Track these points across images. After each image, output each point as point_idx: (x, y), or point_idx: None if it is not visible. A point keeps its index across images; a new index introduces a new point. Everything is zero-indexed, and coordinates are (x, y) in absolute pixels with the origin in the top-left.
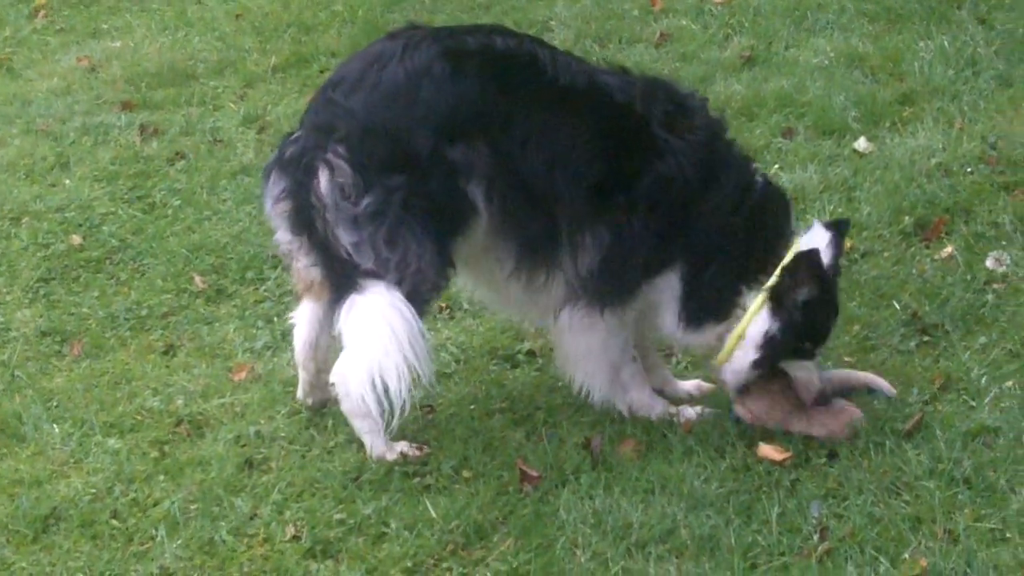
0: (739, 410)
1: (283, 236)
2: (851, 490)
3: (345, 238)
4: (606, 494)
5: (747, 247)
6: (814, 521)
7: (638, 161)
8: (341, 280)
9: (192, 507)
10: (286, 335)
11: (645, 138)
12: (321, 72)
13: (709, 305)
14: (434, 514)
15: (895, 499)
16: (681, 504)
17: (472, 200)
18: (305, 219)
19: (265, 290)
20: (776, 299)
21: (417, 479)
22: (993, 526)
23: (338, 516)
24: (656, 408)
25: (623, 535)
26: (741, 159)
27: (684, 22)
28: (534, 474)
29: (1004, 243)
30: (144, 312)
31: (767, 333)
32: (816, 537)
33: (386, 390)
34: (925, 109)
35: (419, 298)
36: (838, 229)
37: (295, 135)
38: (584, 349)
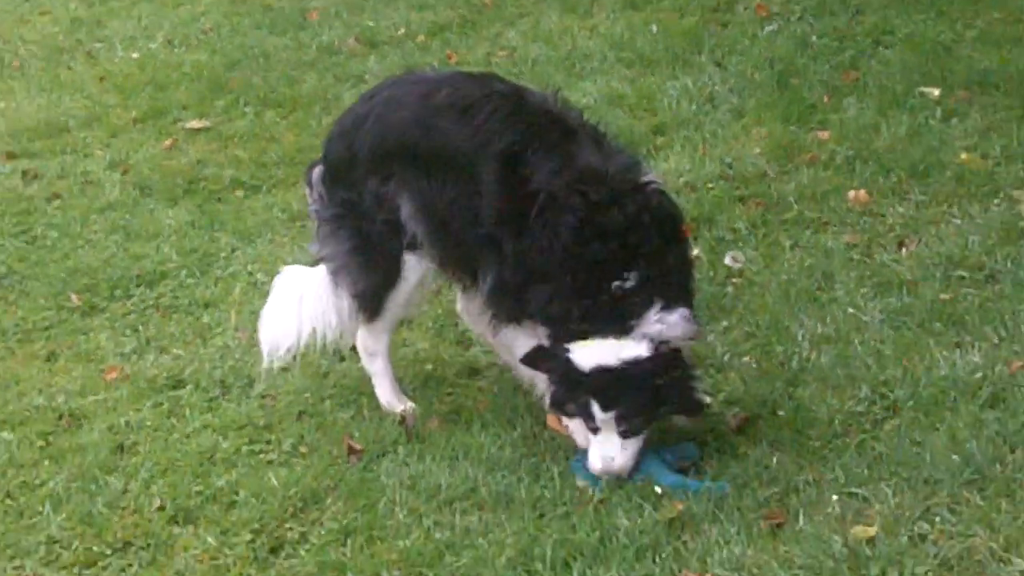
0: None
1: None
2: None
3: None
4: (419, 461)
5: None
6: None
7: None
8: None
9: (73, 486)
10: (150, 341)
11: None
12: (175, 122)
13: None
14: (276, 484)
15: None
16: (481, 467)
17: (404, 225)
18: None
19: (131, 304)
20: None
21: (262, 455)
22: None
23: (196, 488)
24: None
25: (434, 494)
26: None
27: None
28: (359, 447)
29: (740, 244)
30: (29, 326)
31: None
32: (594, 490)
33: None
34: (674, 138)
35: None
36: None
37: None
38: None
